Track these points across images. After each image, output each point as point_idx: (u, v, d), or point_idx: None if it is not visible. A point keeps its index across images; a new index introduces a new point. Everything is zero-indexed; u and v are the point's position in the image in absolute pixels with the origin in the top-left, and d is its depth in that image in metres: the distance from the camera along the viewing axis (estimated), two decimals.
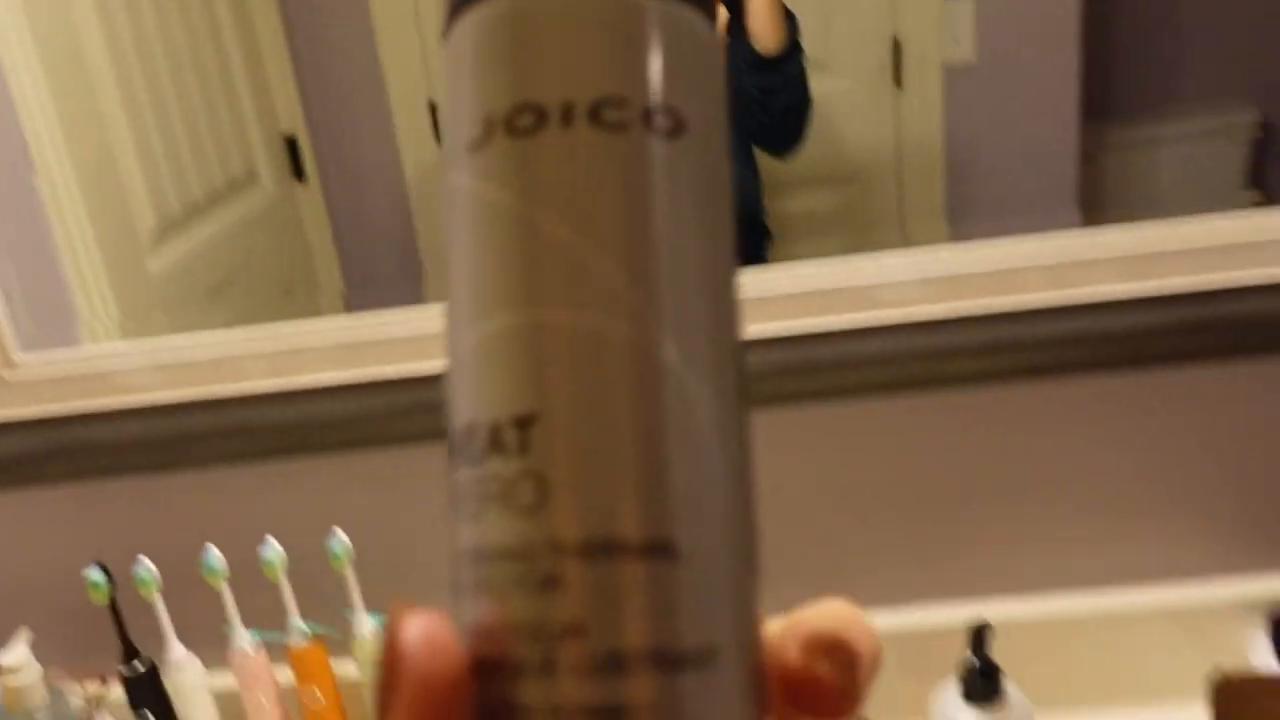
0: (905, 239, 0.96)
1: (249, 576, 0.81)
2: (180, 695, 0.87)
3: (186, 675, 0.86)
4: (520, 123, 0.17)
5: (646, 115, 0.17)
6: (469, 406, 0.17)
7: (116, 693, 0.86)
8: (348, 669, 0.87)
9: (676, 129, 0.17)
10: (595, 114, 0.17)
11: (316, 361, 0.82)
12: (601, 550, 0.16)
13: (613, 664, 0.16)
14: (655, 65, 0.17)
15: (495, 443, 0.17)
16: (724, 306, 0.18)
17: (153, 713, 0.86)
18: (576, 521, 0.16)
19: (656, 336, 0.17)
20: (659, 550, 0.16)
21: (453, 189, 0.18)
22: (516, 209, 0.17)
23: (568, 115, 0.17)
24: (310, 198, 1.03)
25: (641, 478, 0.16)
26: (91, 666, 0.86)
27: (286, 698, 0.87)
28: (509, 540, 0.17)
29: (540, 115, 0.17)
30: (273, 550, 0.81)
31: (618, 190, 0.17)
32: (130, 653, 0.85)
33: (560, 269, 0.17)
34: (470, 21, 0.18)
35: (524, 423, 0.17)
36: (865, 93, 0.92)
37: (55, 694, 0.87)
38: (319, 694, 0.86)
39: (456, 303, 0.18)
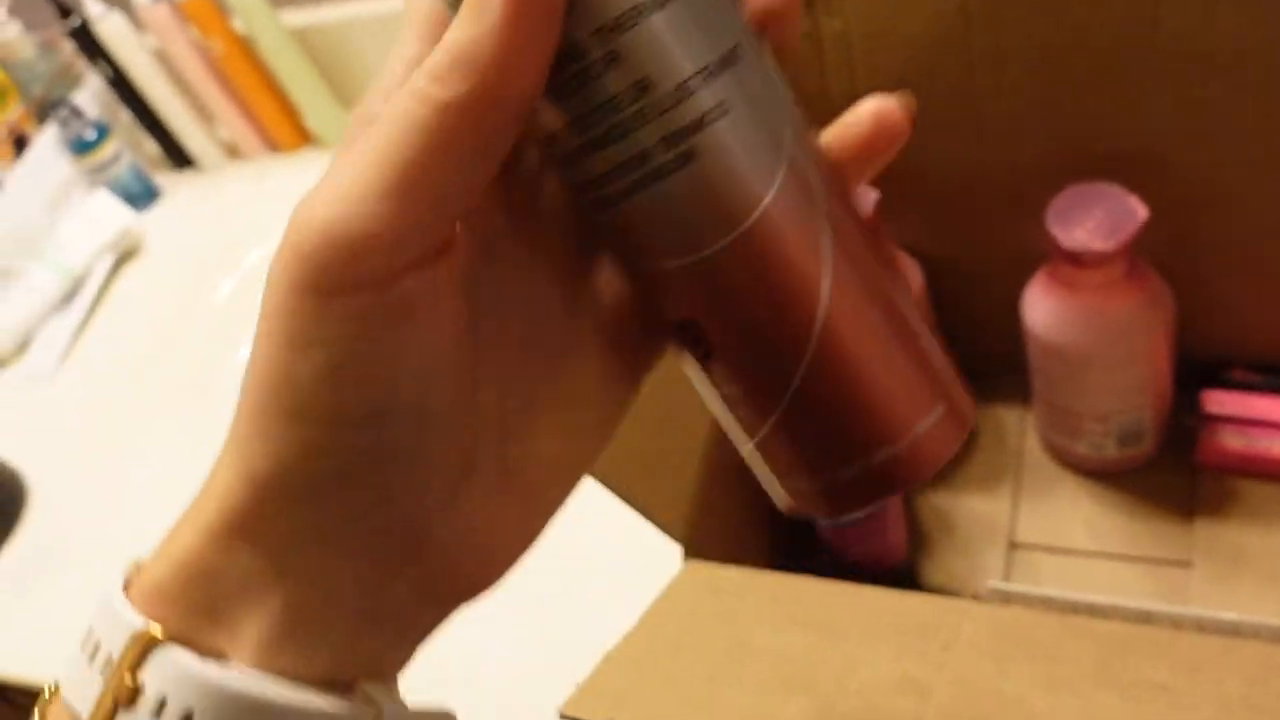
0: None
1: None
2: (116, 47, 1.13)
3: (113, 25, 1.12)
4: None
5: None
6: None
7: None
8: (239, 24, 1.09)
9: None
10: None
11: None
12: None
13: (678, 94, 0.20)
14: None
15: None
16: None
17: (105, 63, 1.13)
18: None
19: None
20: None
21: None
22: None
23: None
24: None
25: None
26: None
27: (198, 49, 1.12)
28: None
29: None
30: None
31: None
32: (64, 10, 1.09)
33: None
34: None
35: None
36: None
37: (42, 49, 1.18)
38: (219, 43, 1.10)
39: None
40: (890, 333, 0.22)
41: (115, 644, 0.20)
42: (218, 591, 0.20)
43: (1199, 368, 0.64)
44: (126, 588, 0.21)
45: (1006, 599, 0.51)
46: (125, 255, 1.16)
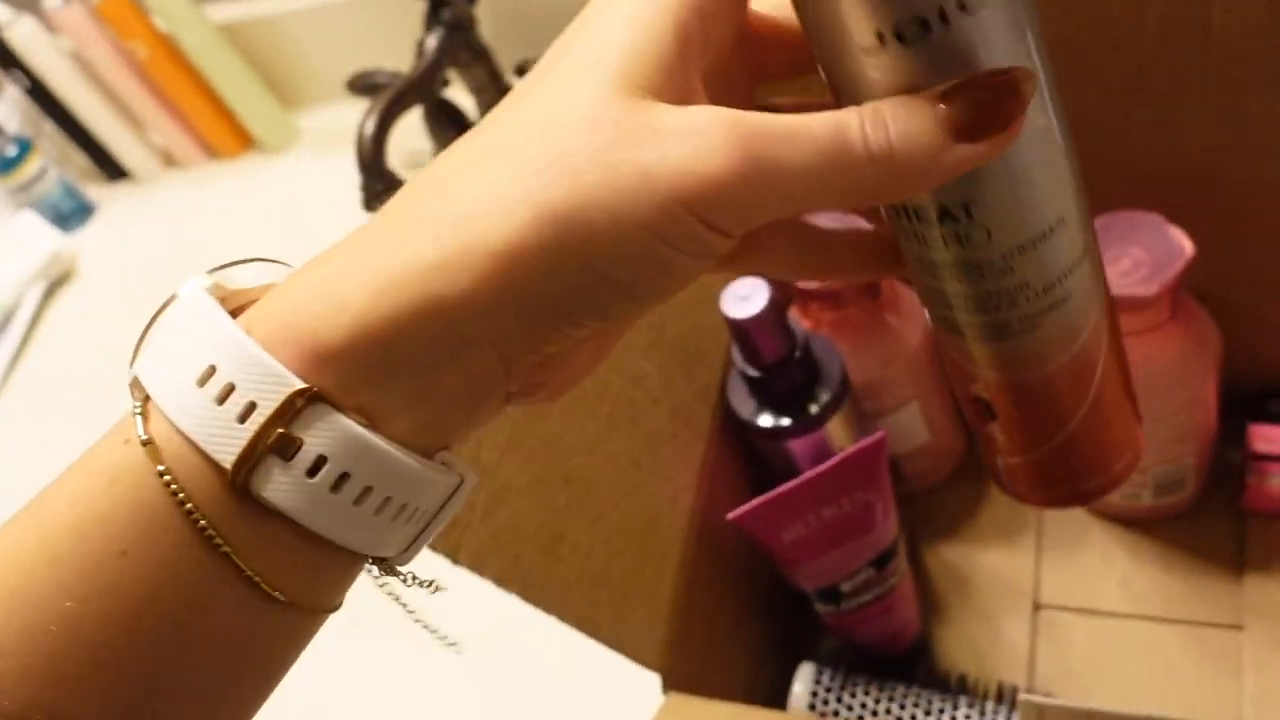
0: None
1: None
2: (30, 55, 1.04)
3: (24, 30, 1.02)
4: (909, 31, 0.20)
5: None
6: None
7: None
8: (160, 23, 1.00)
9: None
10: (963, 7, 0.20)
11: None
12: None
13: (1043, 289, 0.24)
14: None
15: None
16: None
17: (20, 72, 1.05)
18: None
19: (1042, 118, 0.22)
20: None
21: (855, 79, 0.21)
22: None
23: (943, 17, 0.20)
24: None
25: None
26: None
27: (121, 52, 1.03)
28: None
29: (924, 24, 0.20)
30: None
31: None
32: None
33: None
34: None
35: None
36: None
37: None
38: (142, 46, 1.01)
39: None
40: (1125, 387, 0.27)
41: (265, 395, 0.20)
42: (386, 362, 0.21)
43: (1245, 397, 0.57)
44: (244, 326, 0.21)
45: (1041, 715, 0.43)
46: (58, 280, 1.07)
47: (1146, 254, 0.44)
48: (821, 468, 0.43)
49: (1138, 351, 0.47)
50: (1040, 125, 0.22)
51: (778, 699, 0.53)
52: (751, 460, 0.51)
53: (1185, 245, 0.44)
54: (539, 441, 0.40)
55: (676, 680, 0.43)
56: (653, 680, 0.43)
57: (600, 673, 0.43)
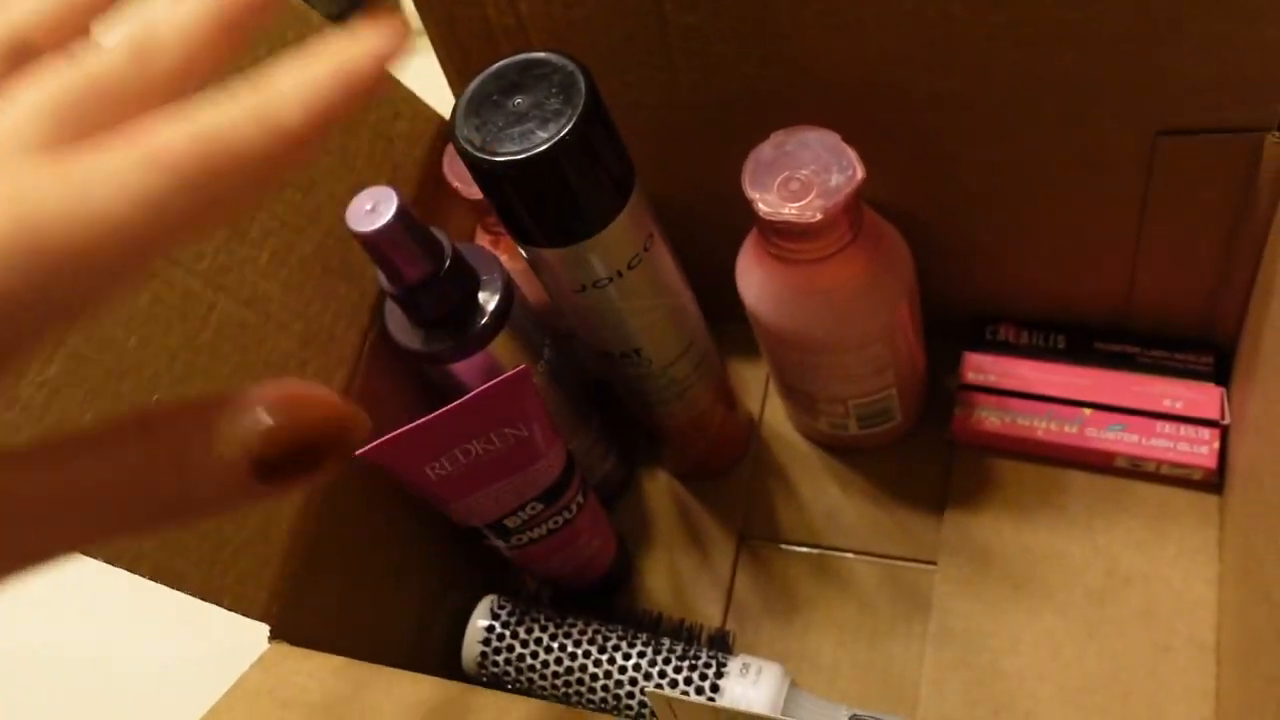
0: None
1: None
2: None
3: None
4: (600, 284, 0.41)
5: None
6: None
7: None
8: None
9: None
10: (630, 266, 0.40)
11: None
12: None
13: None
14: None
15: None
16: None
17: None
18: None
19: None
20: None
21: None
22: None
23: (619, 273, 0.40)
24: None
25: None
26: None
27: None
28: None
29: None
30: None
31: None
32: None
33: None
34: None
35: None
36: None
37: None
38: None
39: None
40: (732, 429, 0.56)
41: None
42: None
43: (966, 323, 0.55)
44: None
45: (671, 708, 0.41)
46: None
47: (814, 176, 0.40)
48: (452, 405, 0.40)
49: (822, 279, 0.44)
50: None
51: (461, 630, 0.50)
52: (426, 389, 0.47)
53: (856, 168, 0.40)
54: (107, 374, 0.35)
55: (296, 628, 0.40)
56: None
57: (216, 617, 0.39)
